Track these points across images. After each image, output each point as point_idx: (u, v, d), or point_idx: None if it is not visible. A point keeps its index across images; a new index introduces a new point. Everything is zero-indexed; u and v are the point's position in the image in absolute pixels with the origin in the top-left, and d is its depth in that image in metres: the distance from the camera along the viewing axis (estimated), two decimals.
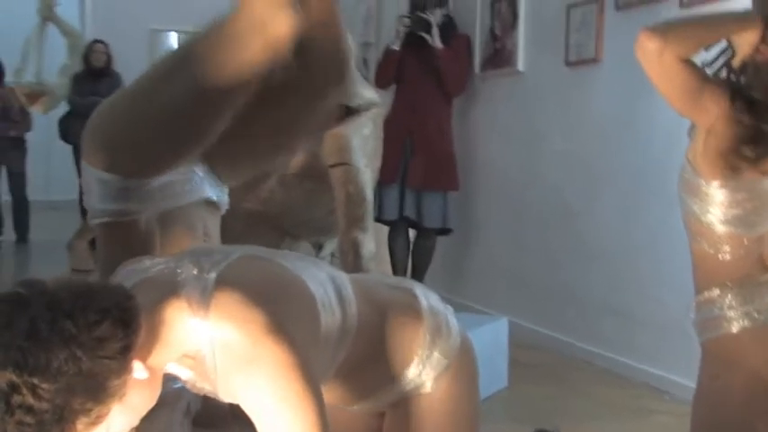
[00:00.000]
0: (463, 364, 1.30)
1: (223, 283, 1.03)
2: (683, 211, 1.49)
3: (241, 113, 1.39)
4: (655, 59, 1.34)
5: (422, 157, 3.98)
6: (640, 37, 1.35)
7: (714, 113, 1.38)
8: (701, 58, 1.42)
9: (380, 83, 4.12)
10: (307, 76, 1.42)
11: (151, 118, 1.36)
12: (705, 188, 1.42)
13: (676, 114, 1.45)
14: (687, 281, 1.55)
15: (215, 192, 1.53)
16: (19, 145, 6.13)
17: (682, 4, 2.85)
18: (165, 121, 1.36)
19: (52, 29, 6.85)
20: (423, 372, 1.26)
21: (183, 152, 1.41)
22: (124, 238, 1.42)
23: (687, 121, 1.49)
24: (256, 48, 1.31)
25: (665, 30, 1.36)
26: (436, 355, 1.26)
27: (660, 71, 1.36)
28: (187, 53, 1.42)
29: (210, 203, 1.54)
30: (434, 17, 3.99)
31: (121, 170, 1.38)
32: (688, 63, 1.36)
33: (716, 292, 1.45)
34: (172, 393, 1.13)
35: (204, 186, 1.50)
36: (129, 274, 1.09)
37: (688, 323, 1.52)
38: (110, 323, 0.95)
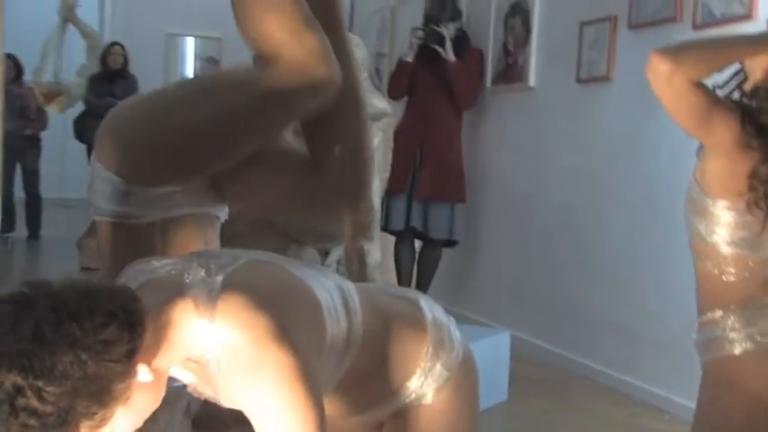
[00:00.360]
0: (464, 377, 1.30)
1: (230, 286, 1.02)
2: (688, 231, 1.48)
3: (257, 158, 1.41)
4: (665, 81, 1.33)
5: (431, 168, 4.00)
6: (651, 58, 1.34)
7: (724, 136, 1.37)
8: (712, 79, 1.41)
9: (393, 94, 4.16)
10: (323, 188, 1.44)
11: (172, 133, 1.37)
12: (712, 208, 1.41)
13: (684, 134, 1.44)
14: (690, 301, 1.54)
15: (216, 206, 1.53)
16: (34, 143, 6.21)
17: (695, 26, 2.87)
18: (186, 140, 1.37)
19: (72, 30, 6.93)
20: (424, 383, 1.25)
21: (193, 173, 1.42)
22: (124, 238, 1.43)
23: (695, 142, 1.48)
24: (296, 93, 1.34)
25: (676, 52, 1.35)
26: (438, 367, 1.26)
27: (670, 93, 1.35)
28: (226, 80, 1.44)
29: (211, 214, 1.55)
30: (448, 30, 4.03)
31: (129, 175, 1.38)
32: (699, 85, 1.35)
33: (719, 313, 1.44)
34: (172, 392, 1.12)
35: (206, 200, 1.50)
36: (137, 274, 1.09)
37: (690, 343, 1.51)
38: (116, 326, 0.95)
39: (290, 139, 1.54)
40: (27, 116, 6.07)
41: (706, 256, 1.45)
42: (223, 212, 1.56)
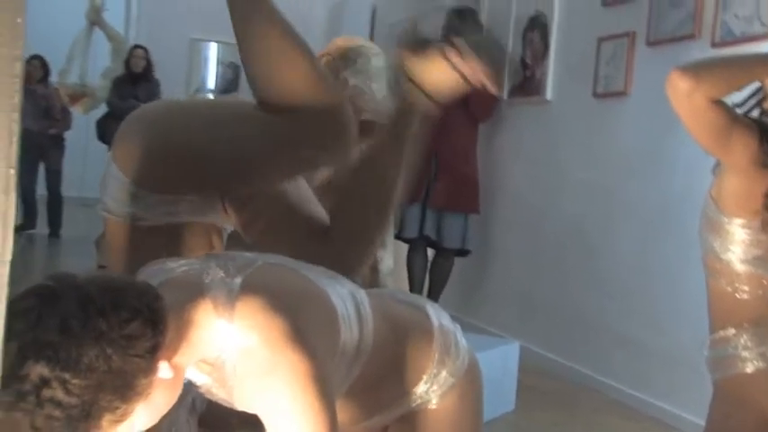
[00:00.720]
0: (469, 383, 1.32)
1: (249, 287, 1.03)
2: (702, 248, 1.48)
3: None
4: (685, 98, 1.33)
5: (445, 178, 4.04)
6: (672, 75, 1.35)
7: (742, 154, 1.38)
8: (731, 97, 1.41)
9: None
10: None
11: (187, 151, 1.40)
12: (727, 226, 1.41)
13: (700, 151, 1.44)
14: (702, 317, 1.54)
15: (221, 219, 1.54)
16: (58, 143, 6.33)
17: (714, 44, 2.88)
18: (199, 160, 1.40)
19: (98, 33, 7.06)
20: (430, 389, 1.27)
21: (200, 191, 1.44)
22: (130, 237, 1.45)
23: (711, 158, 1.48)
24: (307, 143, 1.39)
25: (696, 69, 1.35)
26: (444, 373, 1.27)
27: (690, 110, 1.35)
28: (246, 114, 1.45)
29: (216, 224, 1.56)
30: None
31: (139, 180, 1.40)
32: (718, 103, 1.36)
33: (731, 331, 1.44)
34: None
35: (211, 213, 1.51)
36: (154, 273, 1.09)
37: (701, 360, 1.52)
38: (140, 322, 0.96)
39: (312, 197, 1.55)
40: (52, 116, 6.19)
41: (720, 274, 1.45)
42: (228, 224, 1.57)
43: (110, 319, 0.94)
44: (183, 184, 1.42)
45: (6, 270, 0.58)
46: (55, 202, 6.25)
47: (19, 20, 0.49)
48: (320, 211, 1.51)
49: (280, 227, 1.47)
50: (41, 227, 6.24)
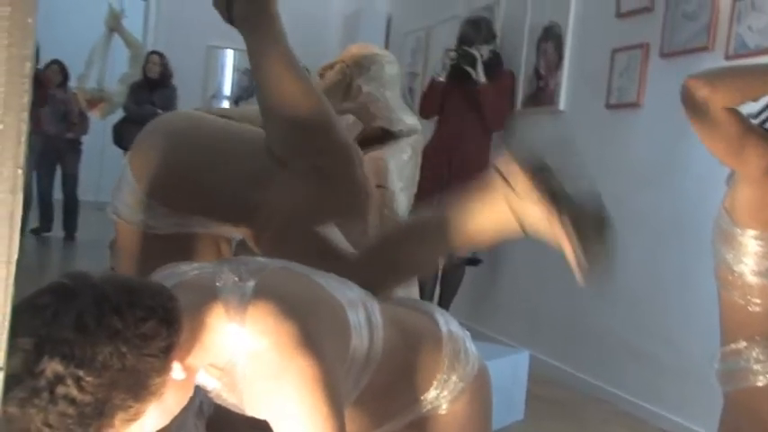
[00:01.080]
0: (479, 389, 1.32)
1: (261, 292, 1.03)
2: (715, 260, 1.46)
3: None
4: (700, 107, 1.32)
5: (458, 186, 4.04)
6: (687, 84, 1.33)
7: (756, 165, 1.36)
8: (746, 108, 1.40)
9: (424, 112, 4.21)
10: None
11: (200, 176, 1.41)
12: (740, 237, 1.40)
13: (712, 162, 1.43)
14: (713, 329, 1.52)
15: (229, 228, 1.54)
16: (75, 147, 6.40)
17: (727, 56, 2.87)
18: (214, 190, 1.41)
19: (117, 39, 7.14)
20: (440, 395, 1.27)
21: (208, 215, 1.45)
22: (138, 242, 1.46)
23: (723, 170, 1.47)
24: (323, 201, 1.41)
25: (712, 78, 1.34)
26: (454, 378, 1.27)
27: (704, 119, 1.33)
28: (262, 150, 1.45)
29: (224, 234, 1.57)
30: (481, 52, 4.08)
31: (151, 192, 1.41)
32: (733, 112, 1.34)
33: (743, 344, 1.42)
34: None
35: (221, 228, 1.52)
36: (167, 276, 1.10)
37: (711, 372, 1.49)
38: (155, 322, 0.96)
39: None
40: (70, 120, 6.26)
41: (732, 286, 1.43)
42: (238, 234, 1.57)
43: (125, 318, 0.94)
44: (192, 207, 1.43)
45: (13, 269, 0.59)
46: (71, 205, 6.31)
47: (30, 20, 0.50)
48: (336, 233, 1.49)
49: (291, 240, 1.46)
50: (57, 230, 6.30)
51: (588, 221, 1.34)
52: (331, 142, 1.43)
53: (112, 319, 0.93)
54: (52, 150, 6.09)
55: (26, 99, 0.54)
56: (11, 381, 0.87)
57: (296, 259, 1.19)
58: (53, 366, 0.89)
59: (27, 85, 0.54)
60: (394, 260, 1.44)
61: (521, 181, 1.35)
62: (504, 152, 1.39)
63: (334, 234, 1.50)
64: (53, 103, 6.03)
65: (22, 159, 0.57)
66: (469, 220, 1.41)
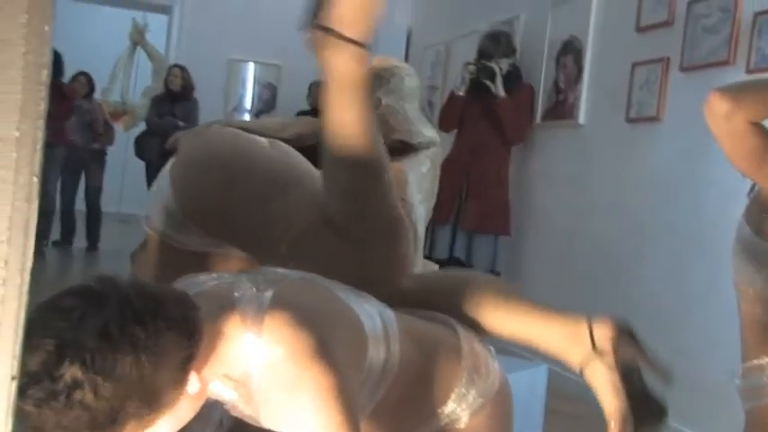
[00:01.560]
0: (499, 405, 1.30)
1: (278, 302, 1.03)
2: (735, 273, 1.46)
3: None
4: (723, 120, 1.32)
5: (477, 200, 4.03)
6: (711, 97, 1.33)
7: None
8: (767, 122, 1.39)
9: (443, 126, 4.22)
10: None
11: (240, 212, 1.38)
12: (761, 248, 1.39)
13: (732, 177, 1.44)
14: (733, 345, 1.51)
15: None
16: (100, 158, 6.47)
17: (748, 70, 2.84)
18: (253, 229, 1.38)
19: (140, 53, 7.25)
20: (458, 408, 1.26)
21: (242, 249, 1.43)
22: (167, 254, 1.46)
23: (744, 184, 1.47)
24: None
25: (736, 92, 1.34)
26: (473, 393, 1.26)
27: (728, 132, 1.33)
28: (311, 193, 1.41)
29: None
30: (500, 66, 4.08)
31: (190, 213, 1.40)
32: (757, 126, 1.34)
33: (765, 359, 1.42)
34: (204, 406, 1.11)
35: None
36: (186, 286, 1.10)
37: (730, 387, 1.48)
38: (175, 332, 0.96)
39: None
40: (96, 131, 6.34)
41: (753, 300, 1.43)
42: None
43: (148, 328, 0.94)
44: (229, 240, 1.41)
45: (27, 278, 0.60)
46: (95, 216, 6.37)
47: (47, 27, 0.51)
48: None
49: (308, 238, 1.41)
50: (79, 241, 6.37)
51: (648, 414, 1.35)
52: (384, 220, 1.37)
53: (135, 329, 0.93)
54: (77, 160, 6.17)
55: (42, 107, 0.55)
56: (30, 379, 0.88)
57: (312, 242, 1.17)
58: (73, 371, 0.90)
59: (44, 92, 0.55)
60: (433, 306, 1.39)
61: (607, 342, 1.34)
62: (607, 318, 1.37)
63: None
64: (79, 114, 6.12)
65: (37, 167, 0.57)
66: (535, 331, 1.38)
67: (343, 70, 1.26)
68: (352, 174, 1.31)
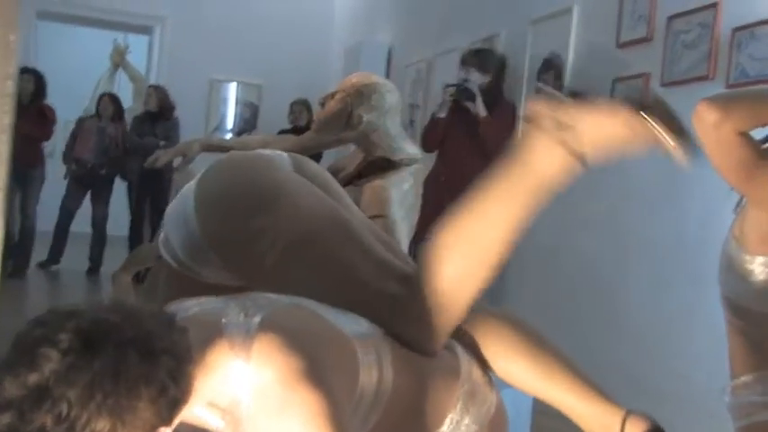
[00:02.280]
0: (494, 428, 1.30)
1: (266, 327, 1.01)
2: (722, 288, 1.45)
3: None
4: (712, 131, 1.31)
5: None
6: (699, 108, 1.33)
7: (767, 190, 1.35)
8: (758, 133, 1.39)
9: (425, 147, 4.19)
10: None
11: (265, 257, 1.32)
12: (749, 264, 1.38)
13: (715, 190, 1.42)
14: (720, 361, 1.50)
15: None
16: (108, 183, 6.07)
17: (728, 85, 2.87)
18: (276, 278, 1.31)
19: (121, 73, 7.23)
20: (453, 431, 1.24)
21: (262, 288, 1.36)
22: (177, 282, 1.43)
23: (727, 200, 1.46)
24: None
25: (725, 101, 1.34)
26: (466, 420, 1.26)
27: (716, 143, 1.32)
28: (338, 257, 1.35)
29: None
30: (482, 81, 4.06)
31: (216, 247, 1.34)
32: (745, 136, 1.34)
33: (753, 376, 1.41)
34: None
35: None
36: (174, 312, 1.06)
37: (717, 404, 1.48)
38: (164, 403, 0.92)
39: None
40: (109, 155, 6.06)
41: (741, 315, 1.42)
42: None
43: (131, 396, 0.90)
44: (251, 279, 1.35)
45: None
46: (99, 240, 6.06)
47: (12, 37, 0.49)
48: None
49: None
50: (82, 263, 6.19)
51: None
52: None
53: (121, 399, 0.89)
54: (83, 180, 6.01)
55: (8, 120, 0.53)
56: (3, 403, 0.86)
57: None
58: (45, 420, 0.86)
59: (9, 105, 0.52)
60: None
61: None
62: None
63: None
64: (101, 135, 5.93)
65: (4, 181, 0.55)
66: (568, 404, 1.36)
67: (548, 170, 1.25)
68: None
